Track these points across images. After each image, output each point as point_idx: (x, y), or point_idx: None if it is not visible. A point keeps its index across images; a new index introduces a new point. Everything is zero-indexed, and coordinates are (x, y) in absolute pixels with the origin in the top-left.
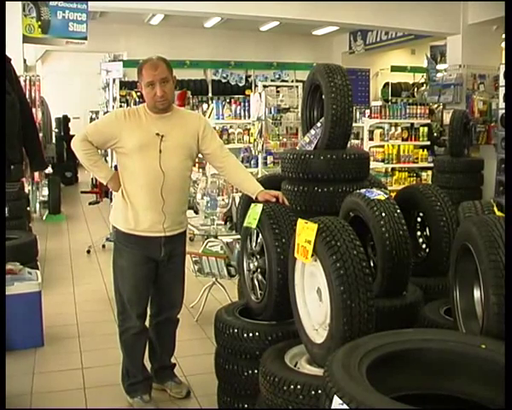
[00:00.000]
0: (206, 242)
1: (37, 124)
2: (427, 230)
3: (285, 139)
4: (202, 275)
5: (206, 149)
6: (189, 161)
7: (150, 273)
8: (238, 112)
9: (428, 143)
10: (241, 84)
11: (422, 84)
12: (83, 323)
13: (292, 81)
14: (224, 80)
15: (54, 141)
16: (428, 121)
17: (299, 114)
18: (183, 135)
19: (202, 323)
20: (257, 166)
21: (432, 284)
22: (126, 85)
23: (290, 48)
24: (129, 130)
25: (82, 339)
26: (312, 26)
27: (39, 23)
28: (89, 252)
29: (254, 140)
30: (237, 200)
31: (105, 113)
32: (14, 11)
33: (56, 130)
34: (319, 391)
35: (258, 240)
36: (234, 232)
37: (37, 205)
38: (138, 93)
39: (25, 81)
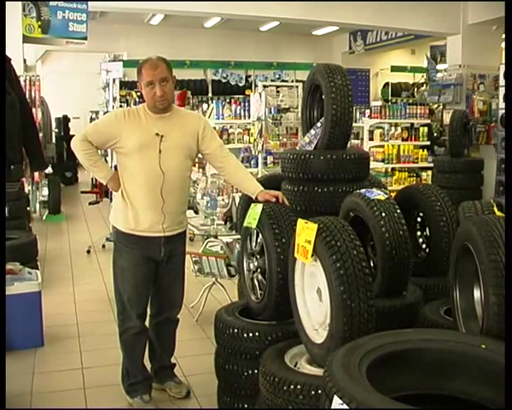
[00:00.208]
0: (206, 242)
1: (37, 124)
2: (427, 230)
3: (285, 139)
4: (202, 275)
5: (205, 149)
6: (189, 161)
7: (150, 273)
8: (238, 112)
9: (428, 143)
10: (241, 84)
11: (422, 84)
12: (83, 323)
13: (292, 81)
14: (223, 80)
15: (54, 141)
16: (428, 121)
17: (299, 114)
18: (182, 135)
19: (202, 323)
20: (257, 166)
21: (432, 284)
22: (126, 85)
23: (290, 48)
24: (129, 130)
25: (82, 339)
26: (312, 26)
27: (39, 23)
28: (89, 252)
29: (254, 140)
30: (237, 200)
31: (105, 113)
32: (14, 11)
33: (56, 130)
34: (319, 391)
35: (258, 240)
36: (234, 232)
37: (37, 205)
38: (138, 93)
39: (25, 81)
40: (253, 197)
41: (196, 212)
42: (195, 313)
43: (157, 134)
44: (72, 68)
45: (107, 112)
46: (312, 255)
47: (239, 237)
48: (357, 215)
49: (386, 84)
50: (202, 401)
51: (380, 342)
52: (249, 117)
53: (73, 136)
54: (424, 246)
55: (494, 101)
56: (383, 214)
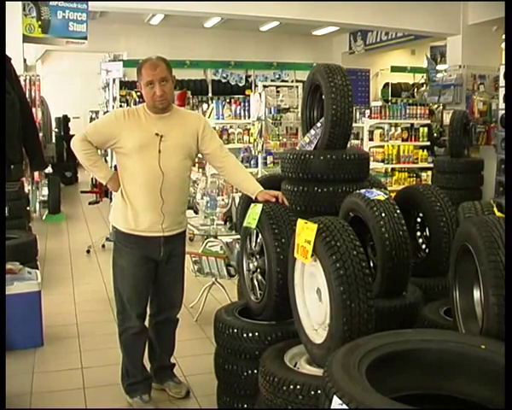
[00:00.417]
0: (205, 242)
1: (37, 124)
2: (427, 230)
3: (285, 139)
4: (202, 275)
5: (205, 149)
6: (189, 161)
7: (150, 273)
8: (238, 112)
9: (428, 143)
10: (241, 84)
11: (422, 84)
12: (82, 323)
13: (292, 81)
14: (223, 80)
15: (54, 141)
16: (428, 122)
17: (299, 114)
18: (182, 135)
19: (202, 323)
20: (257, 166)
21: (432, 284)
22: (126, 85)
23: (290, 48)
24: (128, 130)
25: (82, 339)
26: (312, 26)
27: (39, 23)
28: (88, 252)
29: (254, 140)
30: (237, 200)
31: (105, 113)
32: (14, 11)
33: (56, 130)
34: (319, 391)
35: (258, 240)
36: (233, 232)
37: (37, 205)
38: (138, 93)
39: (25, 81)
40: (253, 197)
41: (196, 212)
42: (195, 313)
43: (157, 134)
44: (72, 68)
45: (107, 112)
46: (312, 255)
47: (239, 237)
48: (356, 215)
49: (386, 84)
50: (202, 401)
51: (379, 342)
52: (249, 117)
53: (73, 136)
54: (424, 246)
55: (494, 101)
56: (383, 215)
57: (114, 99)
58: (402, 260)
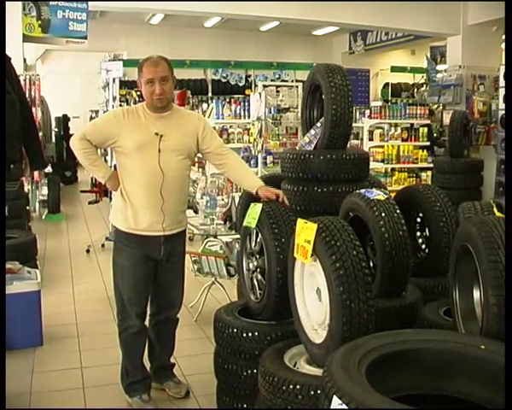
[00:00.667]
0: (205, 241)
1: (37, 123)
2: (427, 230)
3: (285, 139)
4: (202, 275)
5: (207, 149)
6: (188, 161)
7: (150, 273)
8: (238, 112)
9: (428, 143)
10: (241, 84)
11: (422, 84)
12: (82, 322)
13: (292, 81)
14: (223, 80)
15: (53, 140)
16: (428, 122)
17: (299, 114)
18: (182, 135)
19: (201, 323)
20: (257, 166)
21: (431, 284)
22: (126, 85)
23: (290, 48)
24: (128, 129)
25: (81, 339)
26: (312, 26)
27: (39, 22)
28: (88, 251)
29: (254, 140)
30: (237, 199)
31: (105, 112)
32: (14, 10)
33: (56, 129)
34: (318, 391)
35: (258, 240)
36: (233, 232)
37: (37, 204)
38: (138, 92)
39: (25, 80)
40: (254, 192)
41: (196, 211)
42: (195, 312)
43: (156, 134)
44: (72, 68)
45: (107, 111)
46: (312, 255)
47: (238, 236)
48: (356, 215)
49: (386, 84)
50: (201, 400)
51: (379, 342)
52: (249, 117)
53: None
54: (424, 246)
55: (494, 102)
56: (383, 215)
57: (114, 99)
58: (402, 260)
